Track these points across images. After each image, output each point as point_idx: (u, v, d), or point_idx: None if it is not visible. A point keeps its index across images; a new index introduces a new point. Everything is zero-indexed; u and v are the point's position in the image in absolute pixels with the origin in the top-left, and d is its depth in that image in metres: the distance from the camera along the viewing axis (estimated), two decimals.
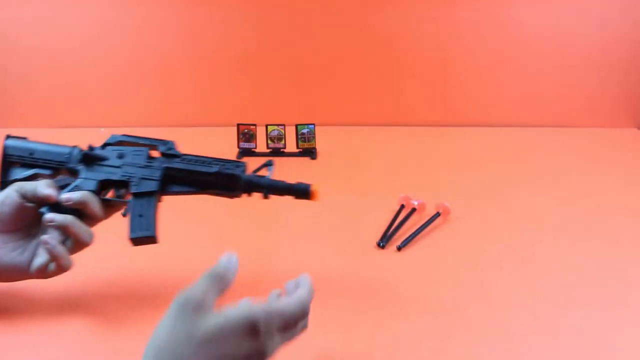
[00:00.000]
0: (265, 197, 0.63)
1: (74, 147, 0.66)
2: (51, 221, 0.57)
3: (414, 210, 0.89)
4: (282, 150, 1.19)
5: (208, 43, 1.39)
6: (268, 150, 1.18)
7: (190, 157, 0.64)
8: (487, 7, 1.33)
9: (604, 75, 1.38)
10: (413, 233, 0.82)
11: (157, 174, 0.63)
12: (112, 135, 0.67)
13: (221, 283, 0.44)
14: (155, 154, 0.65)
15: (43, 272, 0.58)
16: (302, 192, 0.63)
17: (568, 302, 0.67)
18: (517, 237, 0.84)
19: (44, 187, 0.59)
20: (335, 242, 0.82)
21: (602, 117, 1.40)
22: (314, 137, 1.18)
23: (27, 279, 0.58)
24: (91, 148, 0.66)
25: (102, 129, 1.40)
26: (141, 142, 0.66)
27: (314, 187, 0.63)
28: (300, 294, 0.47)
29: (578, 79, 1.38)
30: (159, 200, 0.63)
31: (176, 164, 0.63)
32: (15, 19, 1.35)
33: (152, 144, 0.65)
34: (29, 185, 0.58)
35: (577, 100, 1.40)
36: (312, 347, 0.59)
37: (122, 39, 1.39)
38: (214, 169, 0.62)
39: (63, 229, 0.58)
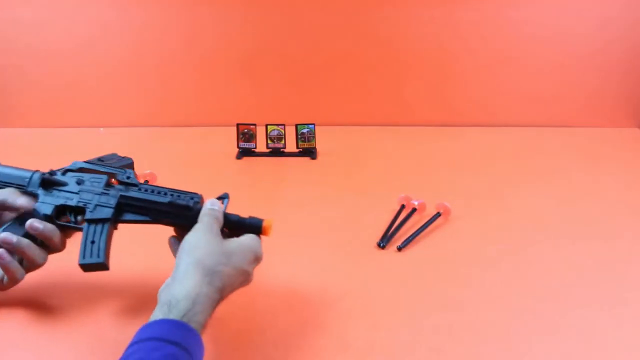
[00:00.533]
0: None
1: (35, 171, 0.67)
2: (8, 242, 0.59)
3: (414, 210, 0.89)
4: (282, 150, 1.19)
5: (208, 43, 1.39)
6: (268, 150, 1.18)
7: (147, 187, 0.64)
8: (487, 7, 1.33)
9: (604, 75, 1.38)
10: (413, 233, 0.82)
11: (112, 202, 0.64)
12: (74, 162, 0.68)
13: (218, 222, 0.59)
14: (115, 182, 0.66)
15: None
16: (253, 227, 0.61)
17: (568, 302, 0.67)
18: (517, 237, 0.84)
19: (17, 197, 0.62)
20: (335, 242, 0.82)
21: (602, 117, 1.40)
22: (314, 137, 1.18)
23: None
24: (52, 173, 0.67)
25: (102, 129, 1.41)
26: (102, 169, 0.67)
27: (266, 223, 0.62)
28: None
29: (578, 79, 1.38)
30: (115, 228, 0.64)
31: (132, 193, 0.64)
32: (15, 19, 1.35)
33: (112, 172, 0.66)
34: (12, 198, 0.62)
35: (577, 100, 1.40)
36: (312, 347, 0.59)
37: (122, 39, 1.38)
38: (167, 199, 0.62)
39: (18, 251, 0.60)
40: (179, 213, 0.62)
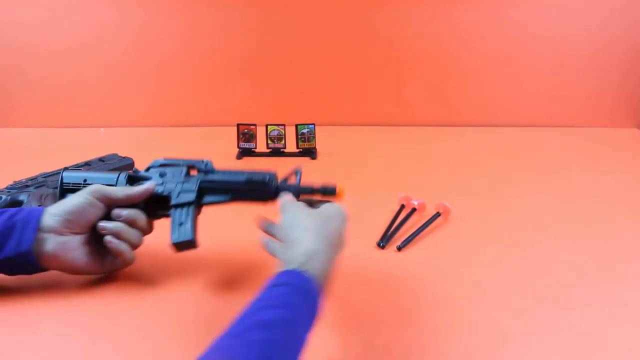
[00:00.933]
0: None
1: (120, 173, 0.73)
2: (102, 228, 0.66)
3: (414, 210, 0.89)
4: (282, 150, 1.19)
5: (208, 43, 1.39)
6: (268, 151, 1.18)
7: (225, 171, 0.71)
8: (487, 7, 1.33)
9: (604, 75, 1.38)
10: (413, 233, 0.82)
11: (194, 187, 0.69)
12: (154, 160, 0.74)
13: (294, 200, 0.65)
14: (194, 172, 0.72)
15: (112, 267, 0.70)
16: (328, 193, 0.68)
17: (568, 302, 0.67)
18: (517, 237, 0.84)
19: (120, 191, 0.68)
20: None
21: (602, 117, 1.40)
22: (314, 137, 1.18)
23: (100, 274, 0.69)
24: (136, 171, 0.73)
25: (102, 129, 1.41)
26: (180, 163, 0.73)
27: (340, 188, 0.68)
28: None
29: (578, 79, 1.38)
30: (198, 212, 0.70)
31: (211, 177, 0.70)
32: (15, 19, 1.35)
33: (191, 164, 0.72)
34: (107, 188, 0.67)
35: (577, 100, 1.40)
36: (312, 348, 0.59)
37: (122, 39, 1.39)
38: (244, 177, 0.68)
39: (116, 234, 0.67)
40: (256, 189, 0.68)
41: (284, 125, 1.17)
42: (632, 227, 0.87)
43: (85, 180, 0.72)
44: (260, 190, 0.68)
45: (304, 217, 0.61)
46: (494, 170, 1.12)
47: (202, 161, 0.72)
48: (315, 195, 0.68)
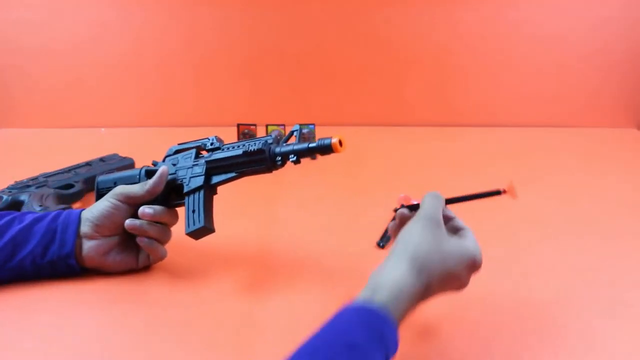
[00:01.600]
0: (295, 163, 0.65)
1: (141, 168, 0.74)
2: (132, 227, 0.68)
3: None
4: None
5: (208, 43, 1.39)
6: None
7: (228, 145, 0.70)
8: (487, 7, 1.33)
9: (604, 75, 1.38)
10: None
11: (201, 170, 0.69)
12: (170, 147, 0.75)
13: (440, 202, 0.58)
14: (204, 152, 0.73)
15: (147, 262, 0.72)
16: (324, 148, 0.64)
17: (567, 302, 0.67)
18: (517, 236, 0.84)
19: (139, 188, 0.69)
20: (334, 242, 0.82)
21: (602, 117, 1.40)
22: (314, 137, 1.18)
23: (136, 269, 0.72)
24: (155, 164, 0.75)
25: (103, 129, 1.41)
26: (191, 145, 0.73)
27: (335, 140, 0.63)
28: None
29: (578, 79, 1.38)
30: (214, 193, 0.71)
31: (213, 156, 0.69)
32: (15, 19, 1.35)
33: (199, 144, 0.73)
34: (127, 188, 0.69)
35: (577, 100, 1.40)
36: None
37: (122, 39, 1.39)
38: (240, 150, 0.67)
39: (146, 233, 0.68)
40: (256, 160, 0.66)
41: (284, 125, 1.17)
42: (632, 226, 0.87)
43: (115, 183, 0.74)
44: (260, 159, 0.66)
45: (419, 240, 0.53)
46: (494, 170, 1.12)
47: (208, 139, 0.72)
48: (311, 154, 0.65)
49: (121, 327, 0.62)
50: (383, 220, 0.87)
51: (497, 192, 0.60)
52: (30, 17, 1.35)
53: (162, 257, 0.71)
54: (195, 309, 0.66)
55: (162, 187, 0.69)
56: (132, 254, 0.71)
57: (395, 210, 0.71)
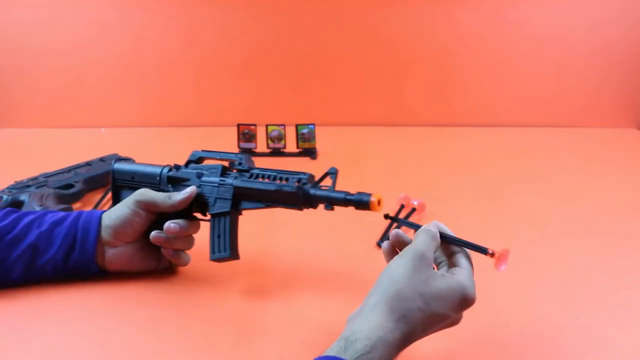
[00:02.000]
0: (329, 209, 0.63)
1: (163, 167, 0.72)
2: (157, 240, 0.68)
3: (413, 210, 0.89)
4: (282, 150, 1.19)
5: (208, 43, 1.39)
6: (268, 151, 1.18)
7: (257, 171, 0.67)
8: (487, 7, 1.33)
9: (604, 75, 1.38)
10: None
11: (229, 194, 0.67)
12: (193, 152, 0.72)
13: (435, 240, 0.52)
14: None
15: (166, 265, 0.72)
16: (361, 203, 0.60)
17: (567, 301, 0.68)
18: (517, 236, 0.84)
19: (165, 200, 0.67)
20: (335, 242, 0.82)
21: (602, 117, 1.40)
22: (314, 137, 1.18)
23: (155, 270, 0.72)
24: (177, 167, 0.72)
25: (103, 130, 1.41)
26: (217, 157, 0.70)
27: (374, 198, 0.59)
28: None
29: (578, 79, 1.38)
30: (239, 214, 0.69)
31: (243, 183, 0.66)
32: (15, 19, 1.35)
33: (226, 158, 0.70)
34: (151, 196, 0.67)
35: (577, 100, 1.40)
36: (312, 348, 0.59)
37: (122, 39, 1.39)
38: (273, 186, 0.64)
39: (171, 245, 0.68)
40: (287, 199, 0.64)
41: (284, 125, 1.17)
42: (632, 226, 0.87)
43: (132, 177, 0.72)
44: (291, 200, 0.63)
45: (401, 282, 0.48)
46: (494, 170, 1.12)
47: (237, 156, 0.69)
48: (346, 205, 0.61)
49: (121, 327, 0.62)
50: (383, 221, 0.87)
51: (485, 252, 0.55)
52: (30, 17, 1.35)
53: (185, 263, 0.71)
54: (196, 310, 0.66)
55: (186, 205, 0.68)
56: (153, 257, 0.71)
57: (386, 217, 0.69)
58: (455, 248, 0.55)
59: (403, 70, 1.39)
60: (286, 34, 1.38)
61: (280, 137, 1.18)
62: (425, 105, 1.41)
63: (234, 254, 0.67)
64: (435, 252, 0.53)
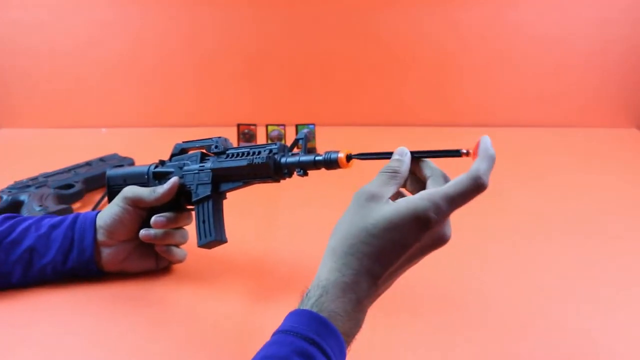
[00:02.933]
0: (302, 175, 0.62)
1: (151, 164, 0.73)
2: (147, 237, 0.68)
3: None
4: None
5: (208, 43, 1.39)
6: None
7: (232, 150, 0.67)
8: (487, 7, 1.33)
9: (604, 75, 1.38)
10: None
11: (208, 178, 0.67)
12: (176, 145, 0.73)
13: (396, 177, 0.50)
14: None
15: (165, 264, 0.73)
16: (330, 162, 0.59)
17: (567, 301, 0.68)
18: (517, 236, 0.84)
19: (149, 195, 0.68)
20: None
21: (601, 117, 1.40)
22: (314, 137, 1.18)
23: (155, 270, 0.72)
24: (162, 162, 0.73)
25: (104, 130, 1.41)
26: (197, 145, 0.71)
27: (342, 154, 0.58)
28: (472, 170, 0.50)
29: (578, 79, 1.38)
30: (223, 198, 0.69)
31: (218, 164, 0.67)
32: (15, 19, 1.35)
33: (205, 144, 0.70)
34: (137, 192, 0.67)
35: (577, 100, 1.40)
36: None
37: (122, 39, 1.39)
38: (245, 162, 0.64)
39: (160, 241, 0.69)
40: (262, 172, 0.63)
41: (284, 125, 1.17)
42: (632, 226, 0.88)
43: (124, 180, 0.73)
44: (266, 172, 0.63)
45: (342, 227, 0.47)
46: (494, 170, 1.11)
47: (213, 140, 0.69)
48: (317, 167, 0.60)
49: (120, 327, 0.62)
50: None
51: (459, 154, 0.53)
52: (31, 17, 1.35)
53: (181, 260, 0.71)
54: (195, 310, 0.66)
55: (171, 197, 0.68)
56: (150, 256, 0.72)
57: (349, 158, 0.66)
58: (426, 171, 0.53)
59: (403, 70, 1.39)
60: (286, 34, 1.38)
61: (280, 137, 1.18)
62: (425, 106, 1.41)
63: (218, 236, 0.67)
64: (406, 184, 0.52)
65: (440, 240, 0.47)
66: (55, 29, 1.37)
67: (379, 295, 0.48)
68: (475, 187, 0.49)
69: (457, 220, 0.88)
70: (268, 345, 0.45)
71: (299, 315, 0.45)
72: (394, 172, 0.51)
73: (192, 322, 0.63)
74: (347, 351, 0.46)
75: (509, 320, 0.64)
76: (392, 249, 0.45)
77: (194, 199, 0.68)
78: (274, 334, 0.45)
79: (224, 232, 0.68)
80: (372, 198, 0.47)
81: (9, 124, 1.42)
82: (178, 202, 0.70)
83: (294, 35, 1.38)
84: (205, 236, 0.67)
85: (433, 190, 0.47)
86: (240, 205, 0.95)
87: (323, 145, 1.20)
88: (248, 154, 0.65)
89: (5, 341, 0.60)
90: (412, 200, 0.45)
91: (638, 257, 0.78)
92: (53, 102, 1.42)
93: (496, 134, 1.33)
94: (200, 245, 0.68)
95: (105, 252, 0.68)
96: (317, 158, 0.60)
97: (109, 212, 0.68)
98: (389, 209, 0.45)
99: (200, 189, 0.68)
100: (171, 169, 0.71)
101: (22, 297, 0.67)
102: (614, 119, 1.40)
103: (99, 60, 1.39)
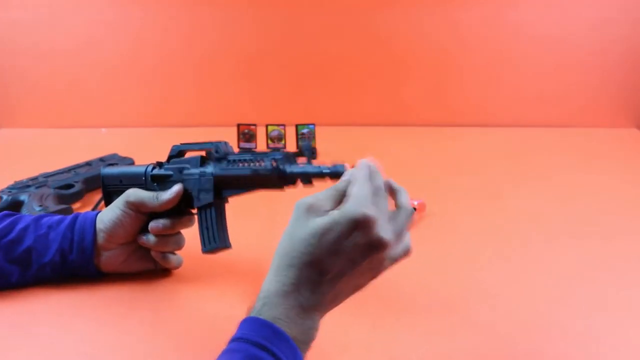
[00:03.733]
0: (306, 184, 0.62)
1: (148, 165, 0.71)
2: (144, 243, 0.68)
3: (413, 209, 0.89)
4: (282, 150, 1.19)
5: (208, 43, 1.39)
6: (268, 151, 1.18)
7: (235, 156, 0.66)
8: (487, 8, 1.33)
9: (604, 75, 1.38)
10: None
11: (210, 184, 0.66)
12: (173, 146, 0.71)
13: (339, 196, 0.50)
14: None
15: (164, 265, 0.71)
16: (336, 174, 0.59)
17: (567, 301, 0.68)
18: (517, 236, 0.84)
19: (154, 201, 0.67)
20: None
21: (601, 117, 1.40)
22: (314, 137, 1.18)
23: (154, 270, 0.72)
24: (160, 164, 0.71)
25: (104, 130, 1.41)
26: (196, 148, 0.69)
27: (348, 167, 0.59)
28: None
29: (578, 79, 1.38)
30: (225, 202, 0.69)
31: (221, 172, 0.66)
32: (15, 20, 1.35)
33: (205, 148, 0.68)
34: (139, 196, 0.66)
35: (577, 100, 1.40)
36: (312, 348, 0.59)
37: (122, 39, 1.39)
38: (249, 171, 0.63)
39: (157, 248, 0.69)
40: (266, 182, 0.63)
41: (284, 125, 1.17)
42: (631, 226, 0.87)
43: (120, 181, 0.71)
44: (270, 181, 0.63)
45: (282, 241, 0.49)
46: (494, 170, 1.12)
47: (212, 144, 0.68)
48: (322, 178, 0.60)
49: (120, 327, 0.62)
50: None
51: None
52: (31, 17, 1.35)
53: (176, 266, 0.72)
54: (194, 311, 0.66)
55: (174, 204, 0.67)
56: (149, 258, 0.71)
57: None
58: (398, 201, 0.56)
59: (403, 70, 1.39)
60: (286, 34, 1.38)
61: (280, 137, 1.18)
62: (425, 105, 1.41)
63: (223, 243, 0.67)
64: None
65: (378, 240, 0.46)
66: (55, 29, 1.37)
67: (332, 302, 0.49)
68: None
69: (457, 220, 0.89)
70: (224, 353, 0.46)
71: (247, 322, 0.47)
72: (337, 191, 0.51)
73: (192, 323, 0.63)
74: (303, 358, 0.47)
75: (510, 320, 0.64)
76: (327, 253, 0.46)
77: (196, 205, 0.67)
78: (229, 342, 0.46)
79: (228, 238, 0.68)
80: (311, 208, 0.48)
81: (9, 124, 1.42)
82: (179, 206, 0.69)
83: (293, 36, 1.38)
84: (210, 242, 0.67)
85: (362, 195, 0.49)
86: (243, 206, 0.95)
87: (323, 145, 1.20)
88: (251, 161, 0.64)
89: (5, 341, 0.60)
90: (345, 207, 0.47)
91: (638, 257, 0.78)
92: (53, 102, 1.42)
93: (496, 134, 1.35)
94: (205, 252, 0.67)
95: (105, 255, 0.68)
96: (323, 170, 0.60)
97: (109, 215, 0.67)
98: (326, 217, 0.47)
99: (202, 194, 0.67)
100: (170, 172, 0.69)
101: (22, 297, 0.66)
102: (614, 119, 1.40)
103: (99, 60, 1.39)
